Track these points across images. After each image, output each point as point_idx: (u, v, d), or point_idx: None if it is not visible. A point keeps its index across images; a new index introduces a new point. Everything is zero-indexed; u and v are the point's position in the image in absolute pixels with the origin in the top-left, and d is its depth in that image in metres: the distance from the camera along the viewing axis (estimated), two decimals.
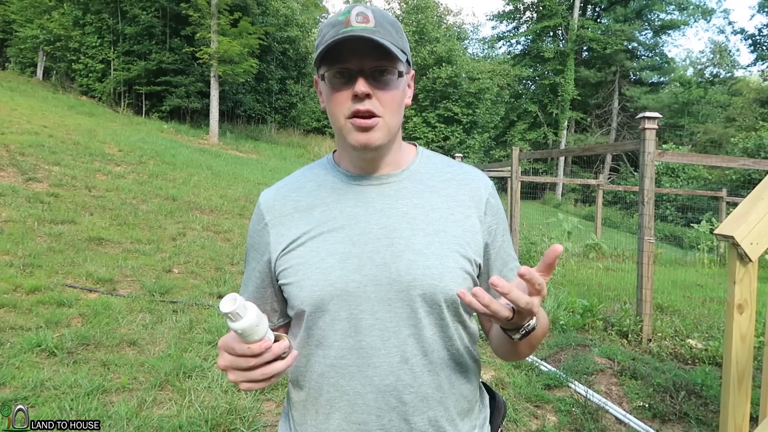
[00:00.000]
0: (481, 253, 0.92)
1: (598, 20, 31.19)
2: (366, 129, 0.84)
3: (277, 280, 0.93)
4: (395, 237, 0.87)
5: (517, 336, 0.79)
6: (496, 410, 1.02)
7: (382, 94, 0.84)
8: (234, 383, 0.75)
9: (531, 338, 0.82)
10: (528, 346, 0.86)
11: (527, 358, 3.69)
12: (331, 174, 0.95)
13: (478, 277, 0.92)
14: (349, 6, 0.86)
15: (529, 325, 0.78)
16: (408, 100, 0.93)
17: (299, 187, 0.96)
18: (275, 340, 0.74)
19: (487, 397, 1.03)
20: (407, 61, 0.89)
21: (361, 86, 0.82)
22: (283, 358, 0.74)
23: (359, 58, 0.83)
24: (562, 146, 27.43)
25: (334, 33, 0.82)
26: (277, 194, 0.97)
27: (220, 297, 4.64)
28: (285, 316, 0.99)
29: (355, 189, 0.92)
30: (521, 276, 0.67)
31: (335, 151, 1.00)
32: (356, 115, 0.84)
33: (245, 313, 0.68)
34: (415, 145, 1.01)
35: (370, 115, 0.84)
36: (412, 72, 0.95)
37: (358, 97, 0.83)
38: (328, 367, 0.87)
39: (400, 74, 0.87)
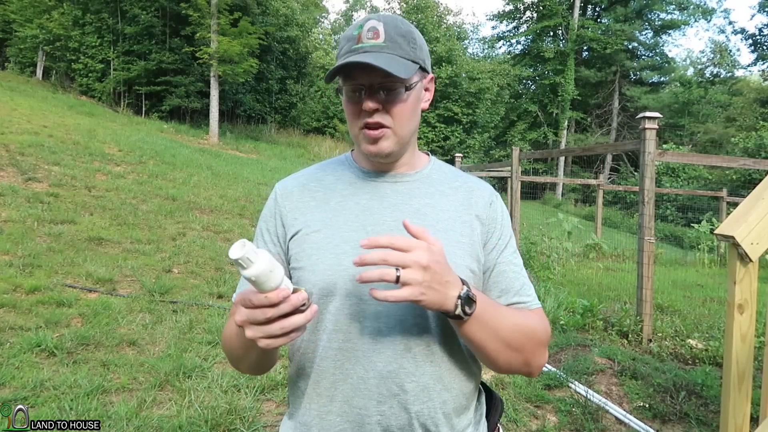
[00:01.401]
0: (483, 251, 0.96)
1: (598, 20, 31.17)
2: (375, 140, 0.90)
3: (288, 264, 0.96)
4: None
5: (458, 311, 0.79)
6: (493, 407, 1.04)
7: (390, 107, 0.90)
8: (252, 340, 0.73)
9: (490, 327, 0.83)
10: (497, 341, 0.85)
11: None
12: (348, 170, 1.01)
13: (483, 274, 0.96)
14: (364, 19, 0.90)
15: (462, 293, 0.79)
16: (425, 104, 0.98)
17: (317, 178, 1.01)
18: (293, 292, 0.71)
19: (483, 395, 1.05)
20: (422, 68, 0.93)
21: (369, 103, 0.88)
22: (302, 311, 0.72)
23: (367, 75, 0.88)
24: (562, 146, 27.42)
25: (348, 49, 0.89)
26: (294, 183, 1.01)
27: (220, 297, 4.64)
28: None
29: (371, 184, 0.97)
30: (364, 247, 0.74)
31: (353, 149, 1.05)
32: (366, 126, 0.90)
33: (256, 259, 0.65)
34: (428, 154, 1.07)
35: (378, 126, 0.89)
36: (431, 75, 0.99)
37: (366, 112, 0.88)
38: (335, 351, 0.89)
39: (409, 87, 0.90)
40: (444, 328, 0.90)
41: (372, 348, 0.87)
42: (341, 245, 0.90)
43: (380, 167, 0.98)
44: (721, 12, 45.15)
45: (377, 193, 0.96)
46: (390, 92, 0.89)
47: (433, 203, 0.96)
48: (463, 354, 0.93)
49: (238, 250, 0.64)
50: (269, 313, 0.70)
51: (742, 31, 32.58)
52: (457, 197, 0.98)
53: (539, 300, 0.99)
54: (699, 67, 32.53)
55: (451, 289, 0.78)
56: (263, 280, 0.67)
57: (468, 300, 0.80)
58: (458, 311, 0.79)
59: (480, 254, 0.94)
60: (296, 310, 0.71)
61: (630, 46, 31.06)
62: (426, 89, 0.98)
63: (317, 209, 0.95)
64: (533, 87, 32.06)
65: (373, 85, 0.88)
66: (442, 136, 24.68)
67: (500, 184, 13.93)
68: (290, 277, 0.95)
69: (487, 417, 1.02)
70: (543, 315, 0.96)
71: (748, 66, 40.68)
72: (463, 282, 0.81)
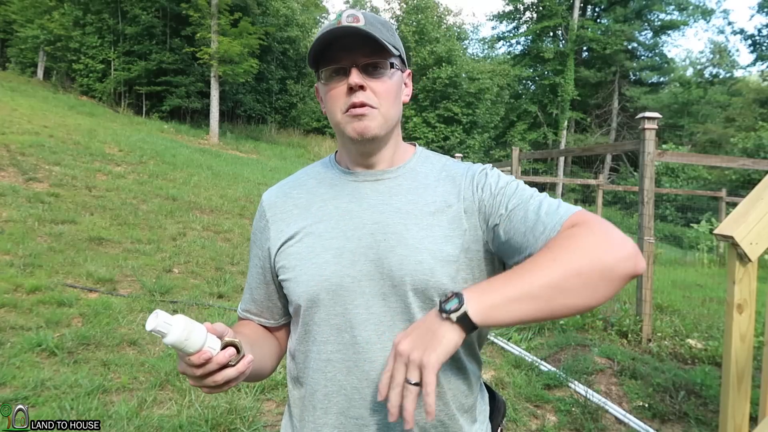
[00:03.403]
0: (482, 233, 0.88)
1: (598, 20, 31.15)
2: (361, 117, 0.86)
3: (277, 276, 0.95)
4: (388, 232, 0.88)
5: (457, 313, 0.69)
6: (496, 409, 1.02)
7: (376, 86, 0.87)
8: (195, 387, 0.77)
9: (523, 290, 0.69)
10: (549, 291, 0.69)
11: (528, 358, 3.69)
12: (330, 171, 0.98)
13: (498, 249, 0.87)
14: (340, 11, 0.89)
15: (445, 306, 0.70)
16: (405, 98, 0.95)
17: (300, 184, 0.99)
18: (226, 347, 0.74)
19: (487, 395, 1.03)
20: (401, 58, 0.91)
21: (355, 78, 0.85)
22: (233, 365, 0.74)
23: (351, 55, 0.86)
24: (562, 146, 27.42)
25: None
26: (278, 192, 1.00)
27: (221, 297, 4.65)
28: (287, 314, 1.01)
29: (351, 185, 0.94)
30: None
31: (338, 151, 1.02)
32: (352, 107, 0.86)
33: (169, 329, 0.69)
34: (415, 145, 1.02)
35: (364, 105, 0.86)
36: (409, 71, 0.96)
37: (352, 90, 0.85)
38: (325, 362, 0.88)
39: (393, 65, 0.89)
40: None
41: (363, 357, 0.86)
42: (322, 254, 0.88)
43: (361, 164, 0.94)
44: (721, 12, 45.13)
45: (357, 194, 0.92)
46: (375, 69, 0.86)
47: (416, 199, 0.90)
48: (460, 356, 0.90)
49: (151, 321, 0.68)
50: (197, 372, 0.73)
51: (742, 31, 32.54)
52: (446, 187, 0.91)
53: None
54: (698, 67, 32.51)
55: (444, 323, 0.70)
56: (181, 347, 0.70)
57: (457, 297, 0.70)
58: (457, 314, 0.69)
59: (476, 240, 0.87)
60: (226, 365, 0.74)
61: (630, 47, 31.04)
62: (405, 84, 0.95)
63: (299, 217, 0.94)
64: (533, 87, 32.01)
65: (357, 63, 0.85)
66: (442, 136, 24.67)
67: None
68: (280, 288, 0.95)
69: (490, 419, 1.00)
70: (582, 215, 0.79)
71: (747, 66, 40.70)
72: (445, 298, 0.72)
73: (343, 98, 0.87)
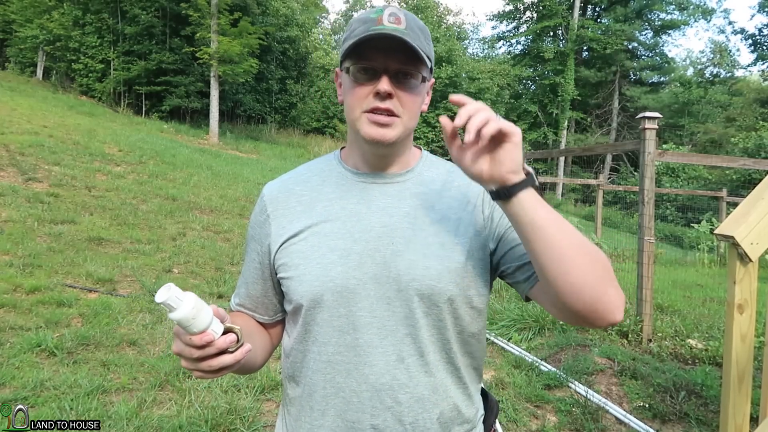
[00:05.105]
0: (490, 240, 0.90)
1: (598, 20, 31.16)
2: (382, 125, 0.85)
3: (276, 273, 0.93)
4: (396, 236, 0.87)
5: (518, 177, 0.75)
6: (489, 410, 1.02)
7: (403, 96, 0.85)
8: (187, 369, 0.76)
9: (553, 212, 0.76)
10: (566, 231, 0.75)
11: (528, 358, 3.69)
12: (336, 170, 0.96)
13: (502, 256, 0.90)
14: (383, 6, 0.87)
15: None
16: (424, 107, 0.93)
17: (304, 180, 0.97)
18: (225, 332, 0.73)
19: (481, 400, 1.02)
20: (430, 68, 0.90)
21: (385, 85, 0.83)
22: (231, 352, 0.74)
23: (386, 58, 0.83)
24: (562, 146, 27.42)
25: (365, 29, 0.83)
26: (281, 186, 0.98)
27: (221, 297, 4.65)
28: (282, 310, 0.99)
29: (359, 186, 0.92)
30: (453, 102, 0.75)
31: (343, 147, 1.00)
32: (375, 111, 0.84)
33: (179, 305, 0.68)
34: (420, 149, 1.01)
35: (389, 113, 0.84)
36: (432, 80, 0.95)
37: (379, 95, 0.83)
38: (325, 364, 0.87)
39: (424, 79, 0.87)
40: (439, 336, 0.87)
41: (363, 360, 0.85)
42: (327, 254, 0.86)
43: (372, 166, 0.93)
44: (721, 12, 45.16)
45: (365, 196, 0.91)
46: (406, 78, 0.84)
47: (424, 204, 0.90)
48: (461, 360, 0.90)
49: (163, 294, 0.67)
50: (195, 353, 0.72)
51: (742, 31, 32.55)
52: (451, 193, 0.92)
53: None
54: (699, 67, 32.52)
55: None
56: (187, 324, 0.69)
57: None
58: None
59: (482, 249, 0.89)
60: (225, 351, 0.74)
61: (630, 46, 31.04)
62: (426, 92, 0.93)
63: (303, 214, 0.91)
64: (533, 87, 32.03)
65: (389, 69, 0.83)
66: (442, 136, 24.72)
67: None
68: (278, 284, 0.94)
69: (483, 421, 1.00)
70: None
71: (748, 66, 40.64)
72: None
73: (367, 99, 0.85)
